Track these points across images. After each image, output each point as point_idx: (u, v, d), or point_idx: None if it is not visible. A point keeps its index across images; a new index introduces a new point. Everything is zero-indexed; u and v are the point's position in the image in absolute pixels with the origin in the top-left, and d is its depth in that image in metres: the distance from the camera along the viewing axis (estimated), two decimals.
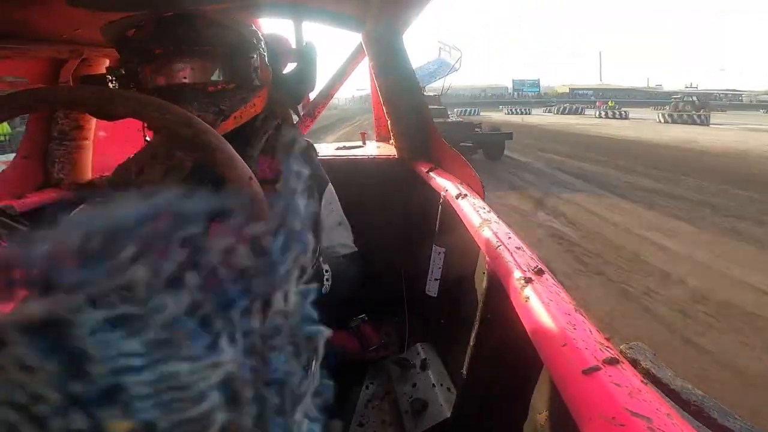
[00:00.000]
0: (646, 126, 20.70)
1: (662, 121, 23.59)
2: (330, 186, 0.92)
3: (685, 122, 22.10)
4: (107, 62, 1.21)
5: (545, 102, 53.31)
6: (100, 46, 1.10)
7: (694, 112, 22.48)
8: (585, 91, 67.03)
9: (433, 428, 0.91)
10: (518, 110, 38.32)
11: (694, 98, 25.13)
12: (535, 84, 67.32)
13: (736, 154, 10.55)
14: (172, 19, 0.76)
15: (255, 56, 0.81)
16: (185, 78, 0.75)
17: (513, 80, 69.07)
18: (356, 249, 0.92)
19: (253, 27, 0.87)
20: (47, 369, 0.21)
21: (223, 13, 0.82)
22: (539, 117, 32.35)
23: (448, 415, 0.91)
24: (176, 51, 0.74)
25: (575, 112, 35.02)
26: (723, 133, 16.39)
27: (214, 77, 0.76)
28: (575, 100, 54.13)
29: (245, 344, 0.26)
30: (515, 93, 65.39)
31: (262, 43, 0.86)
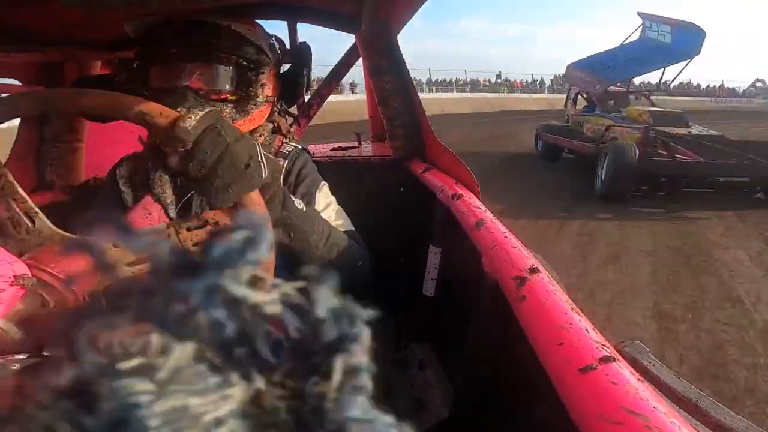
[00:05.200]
0: None
1: None
2: (326, 187, 0.90)
3: None
4: (99, 65, 1.20)
5: None
6: (94, 49, 1.09)
7: None
8: None
9: (432, 428, 0.91)
10: None
11: None
12: None
13: None
14: (196, 23, 0.76)
15: (265, 72, 0.81)
16: (191, 82, 0.75)
17: None
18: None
19: (273, 41, 0.86)
20: (60, 406, 0.22)
21: (247, 25, 0.81)
22: None
23: (447, 414, 0.90)
24: (189, 54, 0.75)
25: None
26: None
27: (220, 86, 0.76)
28: None
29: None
30: None
31: (278, 56, 0.86)
